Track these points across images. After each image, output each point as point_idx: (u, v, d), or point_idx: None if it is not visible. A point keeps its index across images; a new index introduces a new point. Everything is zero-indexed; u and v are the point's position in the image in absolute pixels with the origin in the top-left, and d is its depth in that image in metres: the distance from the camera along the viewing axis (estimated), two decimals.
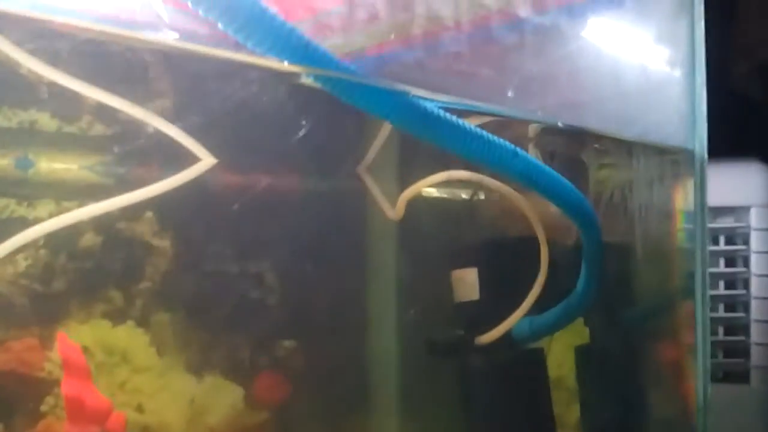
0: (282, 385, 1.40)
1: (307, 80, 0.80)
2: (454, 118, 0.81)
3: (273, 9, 0.63)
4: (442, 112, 0.80)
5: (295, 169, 1.26)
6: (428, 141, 0.81)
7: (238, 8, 0.61)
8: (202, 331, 1.36)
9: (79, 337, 1.23)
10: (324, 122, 1.15)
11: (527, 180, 0.94)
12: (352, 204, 1.31)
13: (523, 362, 1.14)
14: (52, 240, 1.19)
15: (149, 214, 1.30)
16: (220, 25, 0.62)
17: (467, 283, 1.12)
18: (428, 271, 1.29)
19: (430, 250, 1.29)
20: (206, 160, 1.09)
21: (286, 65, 0.67)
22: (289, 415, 1.41)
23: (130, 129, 1.29)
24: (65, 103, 1.23)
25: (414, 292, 1.34)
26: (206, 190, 1.21)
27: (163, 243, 1.33)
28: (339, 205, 1.33)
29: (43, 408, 1.19)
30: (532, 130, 1.15)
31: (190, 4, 0.60)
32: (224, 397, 1.35)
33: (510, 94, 0.97)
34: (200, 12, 0.61)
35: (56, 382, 1.21)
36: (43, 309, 1.21)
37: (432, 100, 0.80)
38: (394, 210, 1.17)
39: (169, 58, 1.15)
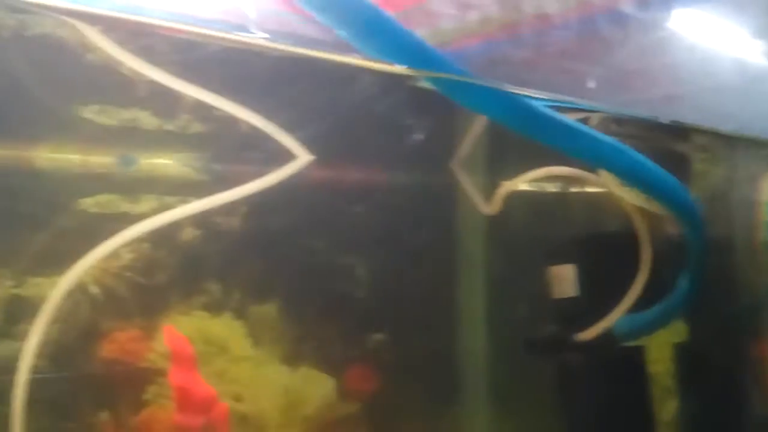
0: (372, 378, 1.42)
1: (409, 79, 0.80)
2: (560, 116, 0.80)
3: (388, 13, 0.63)
4: (549, 110, 0.79)
5: (388, 164, 1.26)
6: (535, 139, 0.80)
7: (356, 14, 0.61)
8: (295, 324, 1.39)
9: (179, 328, 1.27)
10: (418, 118, 1.15)
11: (632, 177, 0.92)
12: (445, 198, 1.31)
13: (623, 360, 1.12)
14: (154, 234, 1.22)
15: (245, 209, 1.32)
16: (338, 31, 0.62)
17: (565, 279, 1.10)
18: (524, 266, 1.28)
19: (526, 246, 1.27)
20: (303, 157, 1.10)
21: (399, 68, 0.67)
22: (379, 407, 1.42)
23: (227, 126, 1.32)
24: (165, 101, 1.26)
25: (509, 288, 1.33)
26: (301, 185, 1.23)
27: (259, 238, 1.36)
28: (432, 200, 1.33)
29: (146, 397, 1.24)
30: (635, 126, 1.12)
31: (310, 11, 0.61)
32: (317, 387, 1.38)
33: (608, 88, 0.95)
34: (319, 18, 0.62)
35: (158, 372, 1.25)
36: (146, 301, 1.25)
37: (539, 98, 0.79)
38: (489, 204, 1.16)
39: (265, 58, 1.17)
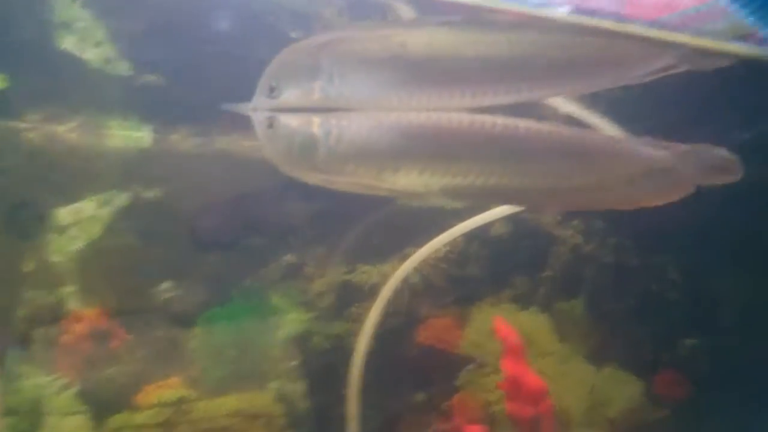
0: (683, 384, 1.35)
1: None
2: None
3: None
4: None
5: None
6: None
7: None
8: (602, 322, 1.36)
9: (489, 319, 1.31)
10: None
11: None
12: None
13: None
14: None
15: None
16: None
17: None
18: None
19: None
20: None
21: None
22: (689, 415, 1.35)
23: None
24: None
25: None
26: None
27: (566, 233, 1.35)
28: (756, 195, 1.23)
29: (458, 383, 1.29)
30: None
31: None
32: (624, 389, 1.34)
33: None
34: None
35: (469, 360, 1.30)
36: (458, 291, 1.30)
37: None
38: None
39: None
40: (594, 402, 1.33)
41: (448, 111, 0.75)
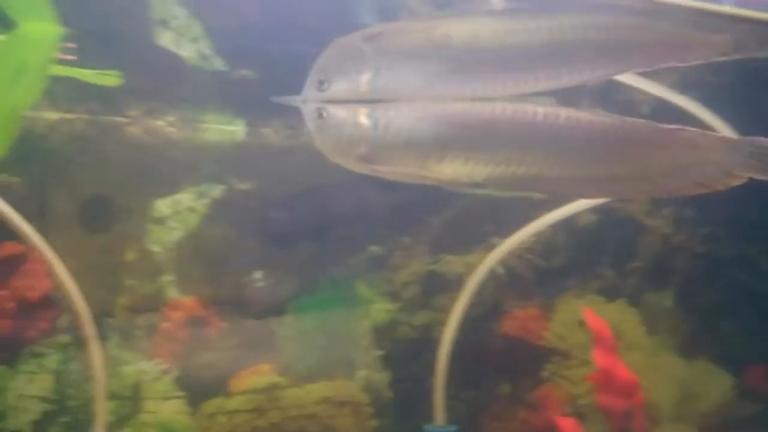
0: None
1: None
2: None
3: None
4: None
5: None
6: None
7: None
8: (692, 314, 1.33)
9: (575, 310, 1.30)
10: None
11: None
12: None
13: None
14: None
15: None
16: None
17: None
18: None
19: None
20: None
21: None
22: None
23: (629, 113, 1.30)
24: (567, 88, 1.28)
25: None
26: None
27: (656, 223, 1.33)
28: None
29: (544, 374, 1.28)
30: None
31: None
32: (714, 383, 1.31)
33: None
34: None
35: (554, 352, 1.29)
36: (543, 282, 1.29)
37: None
38: None
39: None
40: (684, 396, 1.30)
41: (493, 100, 0.75)
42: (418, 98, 0.76)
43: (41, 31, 0.61)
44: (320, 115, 0.75)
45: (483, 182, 0.76)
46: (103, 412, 1.01)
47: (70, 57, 0.72)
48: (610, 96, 1.28)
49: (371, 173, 0.79)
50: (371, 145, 0.75)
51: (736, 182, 0.72)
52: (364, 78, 0.75)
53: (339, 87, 0.75)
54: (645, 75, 1.15)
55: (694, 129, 0.73)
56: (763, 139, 0.73)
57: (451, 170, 0.77)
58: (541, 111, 0.75)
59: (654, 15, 0.75)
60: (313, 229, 1.18)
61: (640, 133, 0.76)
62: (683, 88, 1.20)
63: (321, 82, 0.75)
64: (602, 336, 1.01)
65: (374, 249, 1.23)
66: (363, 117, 0.75)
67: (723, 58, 0.74)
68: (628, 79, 1.13)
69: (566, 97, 1.29)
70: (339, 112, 0.75)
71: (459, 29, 0.77)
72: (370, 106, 0.76)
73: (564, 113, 0.75)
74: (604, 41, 0.76)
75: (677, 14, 0.75)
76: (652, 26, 0.75)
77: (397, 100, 0.76)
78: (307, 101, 0.75)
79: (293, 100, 0.76)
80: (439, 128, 0.77)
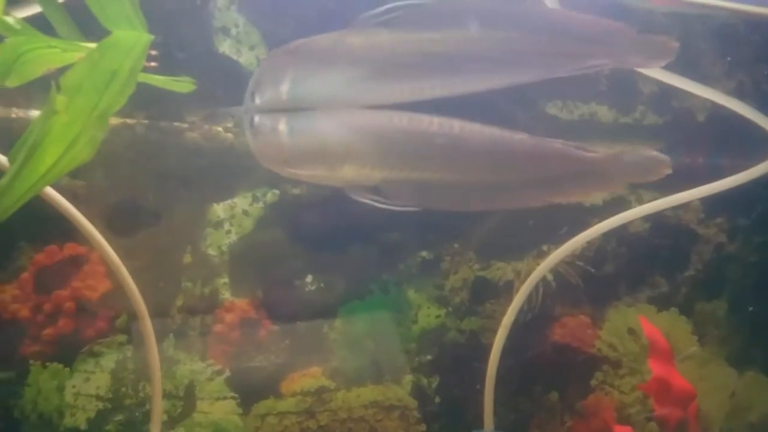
0: None
1: None
2: None
3: None
4: None
5: None
6: None
7: None
8: (745, 324, 1.32)
9: (625, 319, 1.29)
10: None
11: None
12: None
13: None
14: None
15: (696, 202, 1.28)
16: None
17: None
18: None
19: None
20: None
21: None
22: None
23: (684, 117, 1.29)
24: (623, 95, 1.27)
25: None
26: None
27: (709, 231, 1.31)
28: None
29: (593, 382, 1.27)
30: None
31: None
32: (766, 394, 1.29)
33: None
34: None
35: (604, 360, 1.28)
36: (594, 290, 1.28)
37: None
38: None
39: None
40: (735, 407, 1.29)
41: (401, 107, 0.82)
42: (329, 106, 0.83)
43: (132, 38, 0.63)
44: (251, 124, 0.82)
45: (378, 185, 0.83)
46: (158, 411, 1.03)
47: (152, 64, 0.74)
48: (665, 102, 1.27)
49: (293, 177, 0.87)
50: (288, 151, 0.82)
51: (616, 190, 0.88)
52: (284, 88, 0.82)
53: (266, 97, 0.82)
54: (702, 81, 1.13)
55: (575, 143, 0.82)
56: (638, 149, 0.83)
57: (351, 173, 0.83)
58: (436, 121, 0.82)
59: (543, 29, 0.82)
60: (363, 234, 1.19)
61: (525, 146, 0.83)
62: (740, 94, 1.18)
63: (253, 94, 0.83)
64: (658, 345, 1.00)
65: (424, 254, 1.23)
66: (282, 125, 0.82)
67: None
68: (685, 85, 1.12)
69: (623, 104, 1.28)
70: (265, 121, 0.82)
71: (358, 40, 0.83)
72: (289, 115, 0.82)
73: (458, 124, 0.82)
74: (493, 54, 0.82)
75: (561, 27, 0.82)
76: (541, 39, 0.82)
77: (312, 108, 0.83)
78: (248, 111, 0.82)
79: (236, 110, 0.85)
80: (342, 135, 0.83)
